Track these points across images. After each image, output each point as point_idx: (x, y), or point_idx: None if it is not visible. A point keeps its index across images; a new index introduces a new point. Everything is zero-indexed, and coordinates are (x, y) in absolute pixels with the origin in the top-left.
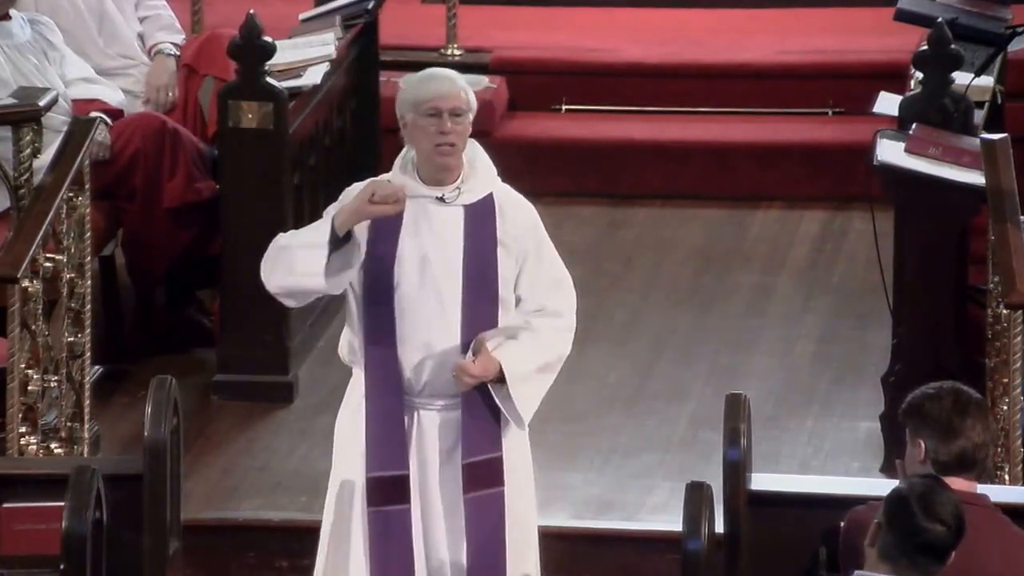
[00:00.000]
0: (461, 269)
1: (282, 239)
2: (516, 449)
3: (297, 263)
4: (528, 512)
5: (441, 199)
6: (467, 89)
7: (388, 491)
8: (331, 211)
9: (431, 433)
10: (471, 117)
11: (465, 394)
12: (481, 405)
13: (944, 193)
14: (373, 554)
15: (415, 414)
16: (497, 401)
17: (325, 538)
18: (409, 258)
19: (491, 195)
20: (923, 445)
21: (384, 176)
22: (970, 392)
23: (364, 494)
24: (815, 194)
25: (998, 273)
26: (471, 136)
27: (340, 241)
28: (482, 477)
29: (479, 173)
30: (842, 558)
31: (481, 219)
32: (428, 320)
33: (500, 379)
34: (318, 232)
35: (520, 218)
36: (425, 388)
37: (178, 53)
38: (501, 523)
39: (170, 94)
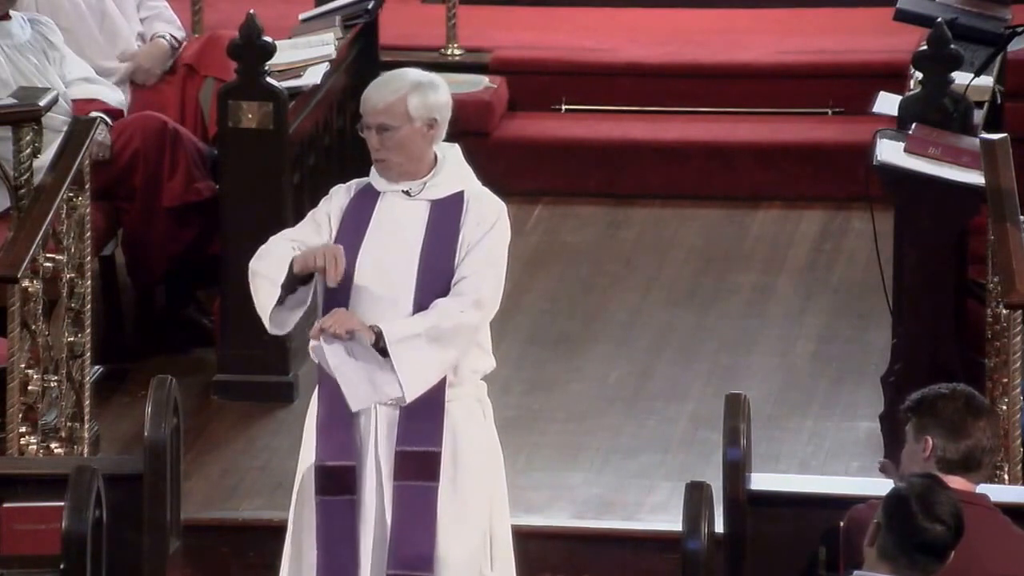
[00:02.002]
0: (417, 262)
1: (254, 263)
2: (476, 448)
3: (261, 295)
4: (484, 513)
5: (407, 193)
6: (402, 100)
7: (334, 481)
8: (314, 214)
9: (385, 426)
10: (414, 126)
11: None
12: (421, 397)
13: (944, 193)
14: (320, 542)
15: (374, 406)
16: (380, 380)
17: (288, 526)
18: (369, 251)
19: (461, 193)
20: (930, 442)
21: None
22: (982, 397)
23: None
24: (815, 194)
25: (998, 273)
26: (454, 140)
27: (297, 280)
28: (412, 468)
29: (448, 169)
30: (842, 557)
31: (446, 215)
32: (381, 313)
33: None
34: (281, 262)
35: (483, 213)
36: None
37: (176, 45)
38: (430, 518)
39: (152, 69)
